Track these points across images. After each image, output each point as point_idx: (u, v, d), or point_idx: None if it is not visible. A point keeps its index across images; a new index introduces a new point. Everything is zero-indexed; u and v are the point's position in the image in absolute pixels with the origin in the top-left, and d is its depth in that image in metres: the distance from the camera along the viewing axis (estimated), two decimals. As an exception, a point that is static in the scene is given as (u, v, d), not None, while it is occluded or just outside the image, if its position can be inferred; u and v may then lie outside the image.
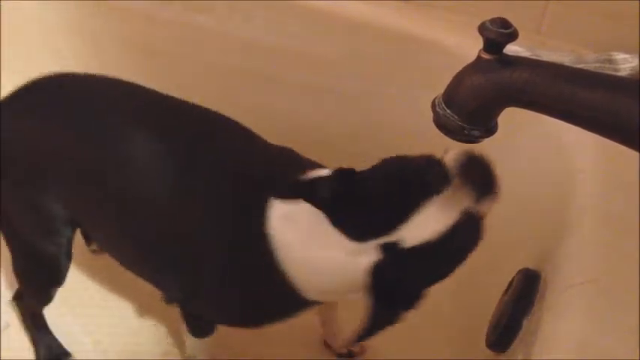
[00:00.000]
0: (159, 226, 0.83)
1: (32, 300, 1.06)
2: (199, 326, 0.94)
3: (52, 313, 1.08)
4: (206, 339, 0.95)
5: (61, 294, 1.00)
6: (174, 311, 0.92)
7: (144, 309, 0.90)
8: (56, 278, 0.97)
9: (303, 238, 0.74)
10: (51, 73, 0.90)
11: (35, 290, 1.03)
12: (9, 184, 0.89)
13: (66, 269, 0.96)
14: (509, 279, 0.82)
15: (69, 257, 0.94)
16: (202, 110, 0.88)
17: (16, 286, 1.11)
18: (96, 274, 0.92)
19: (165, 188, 0.82)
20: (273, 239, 0.75)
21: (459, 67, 0.61)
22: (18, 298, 1.07)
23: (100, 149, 0.84)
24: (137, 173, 0.83)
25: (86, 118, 0.85)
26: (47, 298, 1.01)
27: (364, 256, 0.70)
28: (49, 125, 0.86)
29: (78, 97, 0.88)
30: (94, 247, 1.16)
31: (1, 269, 1.16)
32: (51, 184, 0.87)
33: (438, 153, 0.75)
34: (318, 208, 0.72)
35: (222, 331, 0.93)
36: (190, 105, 0.88)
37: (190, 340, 0.96)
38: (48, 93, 0.89)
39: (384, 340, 1.07)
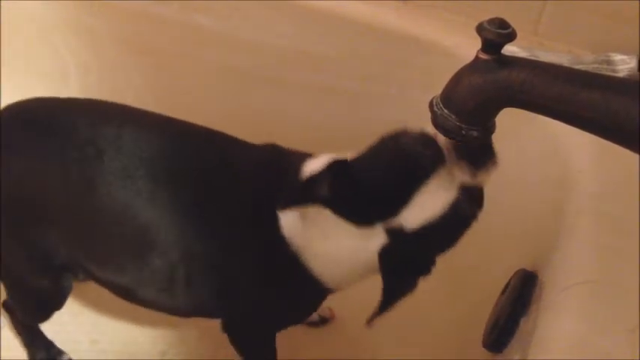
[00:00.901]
0: (181, 259, 0.81)
1: (27, 320, 1.02)
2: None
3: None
4: None
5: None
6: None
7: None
8: (57, 305, 0.94)
9: (316, 235, 0.76)
10: (18, 101, 0.84)
11: (32, 316, 1.01)
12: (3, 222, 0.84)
13: (66, 297, 0.93)
14: (506, 280, 0.82)
15: (70, 287, 0.91)
16: (181, 124, 0.85)
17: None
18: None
19: (176, 216, 0.80)
20: (292, 241, 0.77)
21: (458, 68, 0.61)
22: (7, 307, 1.03)
23: (94, 183, 0.78)
24: (141, 205, 0.79)
25: (78, 149, 0.78)
26: (45, 319, 0.98)
27: (373, 239, 0.73)
28: (37, 160, 0.80)
29: (67, 127, 0.80)
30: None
31: None
32: (47, 222, 0.82)
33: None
34: (321, 206, 0.73)
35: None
36: (165, 119, 0.85)
37: None
38: (31, 124, 0.82)
39: (382, 341, 1.08)
